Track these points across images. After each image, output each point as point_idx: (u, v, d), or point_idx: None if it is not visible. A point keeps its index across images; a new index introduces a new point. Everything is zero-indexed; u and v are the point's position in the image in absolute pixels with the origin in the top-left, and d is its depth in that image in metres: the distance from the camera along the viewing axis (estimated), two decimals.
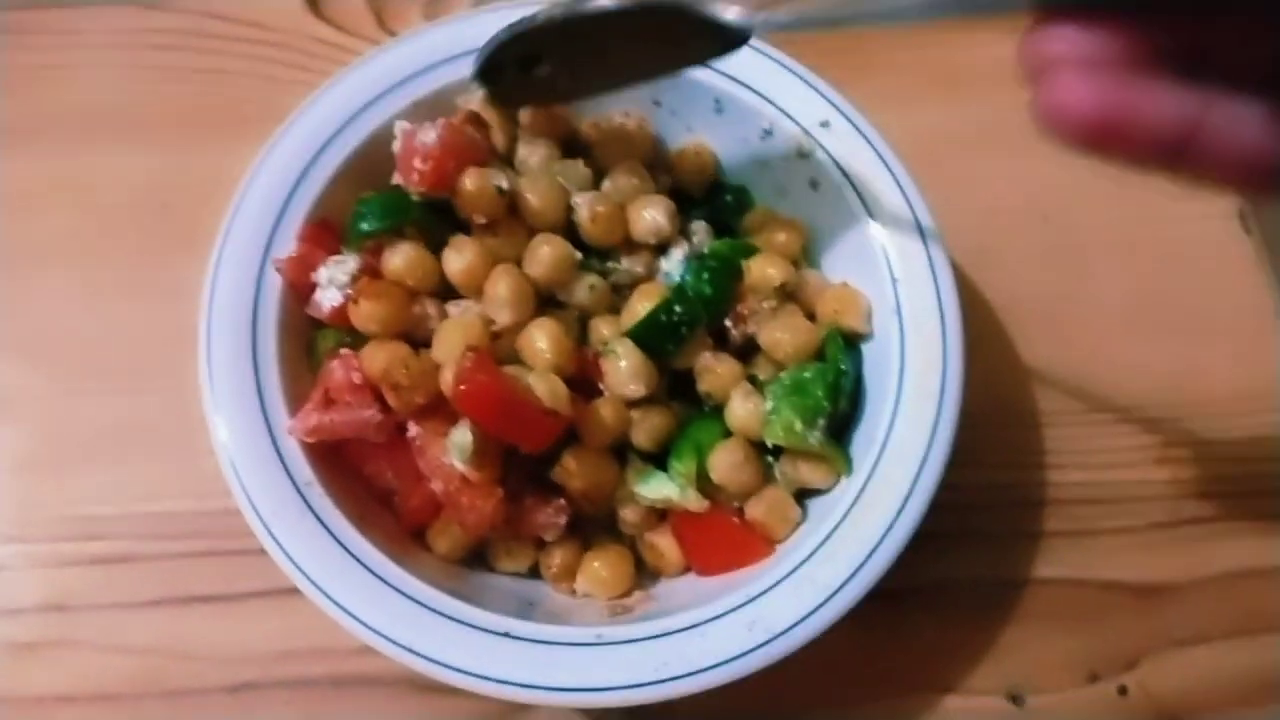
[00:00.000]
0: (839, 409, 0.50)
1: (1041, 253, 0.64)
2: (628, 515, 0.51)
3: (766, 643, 0.44)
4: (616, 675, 0.44)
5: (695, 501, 0.49)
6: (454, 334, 0.48)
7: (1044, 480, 0.59)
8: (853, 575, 0.45)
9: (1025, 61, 0.33)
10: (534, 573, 0.51)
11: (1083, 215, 0.65)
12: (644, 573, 0.52)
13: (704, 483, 0.50)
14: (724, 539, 0.50)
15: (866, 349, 0.52)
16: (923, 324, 0.49)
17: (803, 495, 0.51)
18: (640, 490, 0.49)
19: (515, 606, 0.47)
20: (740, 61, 0.54)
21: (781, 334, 0.51)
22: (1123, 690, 0.55)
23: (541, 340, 0.48)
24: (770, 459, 0.51)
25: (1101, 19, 0.32)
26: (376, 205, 0.51)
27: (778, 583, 0.46)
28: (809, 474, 0.50)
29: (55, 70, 0.67)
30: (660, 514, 0.51)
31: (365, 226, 0.50)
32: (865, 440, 0.49)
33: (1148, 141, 0.32)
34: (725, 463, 0.49)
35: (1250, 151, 0.32)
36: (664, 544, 0.51)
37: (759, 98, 0.53)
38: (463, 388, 0.44)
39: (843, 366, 0.50)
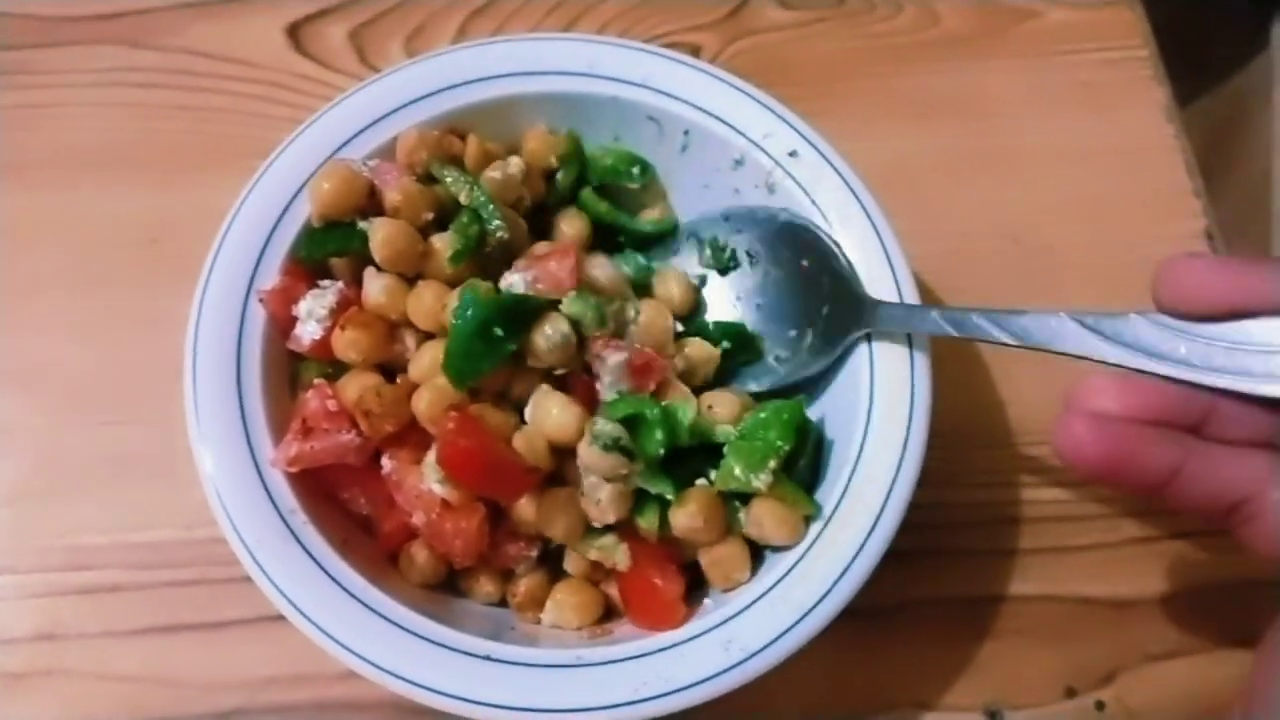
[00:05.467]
0: (805, 445, 0.50)
1: (1013, 275, 0.65)
2: (572, 564, 0.51)
3: (743, 661, 0.45)
4: (596, 696, 0.44)
5: (623, 559, 0.49)
6: (431, 354, 0.49)
7: (1019, 498, 0.60)
8: (826, 594, 0.46)
9: (1068, 395, 0.41)
10: (506, 602, 0.52)
11: (1054, 237, 0.66)
12: None
13: (666, 526, 0.49)
14: (644, 600, 0.49)
15: (838, 374, 0.52)
16: (890, 347, 0.50)
17: None
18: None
19: (494, 630, 0.48)
20: (710, 93, 0.55)
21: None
22: (1100, 705, 0.55)
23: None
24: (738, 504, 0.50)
25: (1136, 381, 0.40)
26: (319, 233, 0.52)
27: (753, 602, 0.47)
28: (772, 527, 0.49)
29: (43, 109, 0.68)
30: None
31: (302, 252, 0.52)
32: (838, 460, 0.50)
33: (1140, 481, 0.39)
34: (686, 518, 0.48)
35: (1210, 496, 0.40)
36: (614, 594, 0.51)
37: (729, 128, 0.54)
38: (447, 452, 0.45)
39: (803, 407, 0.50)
